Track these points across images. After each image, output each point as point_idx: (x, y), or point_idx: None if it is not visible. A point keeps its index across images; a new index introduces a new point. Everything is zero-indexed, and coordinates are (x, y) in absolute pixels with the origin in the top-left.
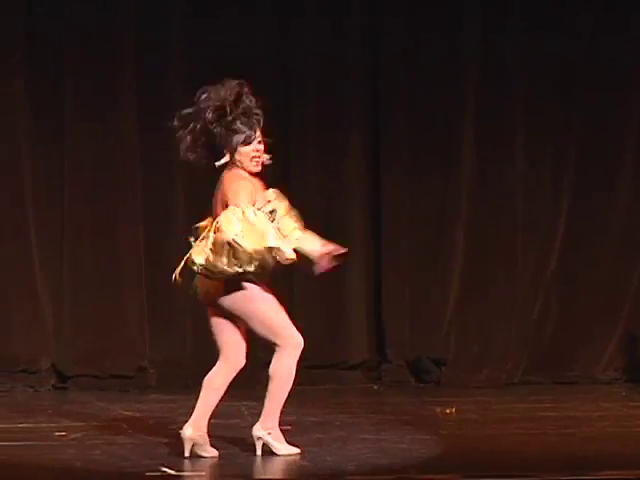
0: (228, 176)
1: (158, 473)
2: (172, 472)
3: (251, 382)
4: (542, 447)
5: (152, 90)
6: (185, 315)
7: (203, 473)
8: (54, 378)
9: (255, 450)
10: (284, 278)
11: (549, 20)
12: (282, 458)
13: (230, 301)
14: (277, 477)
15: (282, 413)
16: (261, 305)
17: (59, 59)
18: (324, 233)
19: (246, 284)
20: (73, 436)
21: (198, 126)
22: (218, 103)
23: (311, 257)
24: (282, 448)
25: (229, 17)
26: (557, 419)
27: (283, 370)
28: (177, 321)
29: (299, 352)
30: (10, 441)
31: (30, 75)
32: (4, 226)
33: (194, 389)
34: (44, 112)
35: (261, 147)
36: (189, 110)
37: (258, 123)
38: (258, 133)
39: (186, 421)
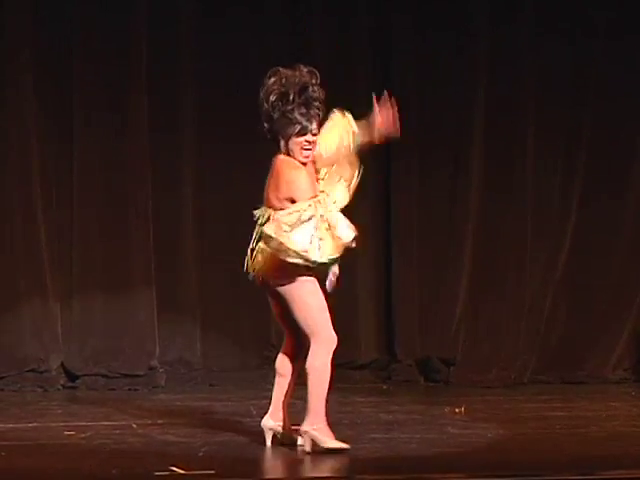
0: (281, 163)
1: (167, 473)
2: (181, 472)
3: (260, 381)
4: (551, 446)
5: (161, 90)
6: (195, 314)
7: (212, 472)
8: (63, 378)
9: (304, 446)
10: None
11: (560, 16)
12: (290, 457)
13: (284, 284)
14: (285, 476)
15: (292, 412)
16: (311, 298)
17: (68, 58)
18: None
19: (304, 272)
20: (82, 435)
21: (264, 106)
22: (283, 89)
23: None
24: (330, 442)
25: (238, 17)
26: (566, 419)
27: (318, 364)
28: (187, 321)
29: (332, 349)
30: (19, 440)
31: (39, 74)
32: (14, 226)
33: (203, 388)
34: (53, 112)
35: (314, 139)
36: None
37: (316, 116)
38: (314, 126)
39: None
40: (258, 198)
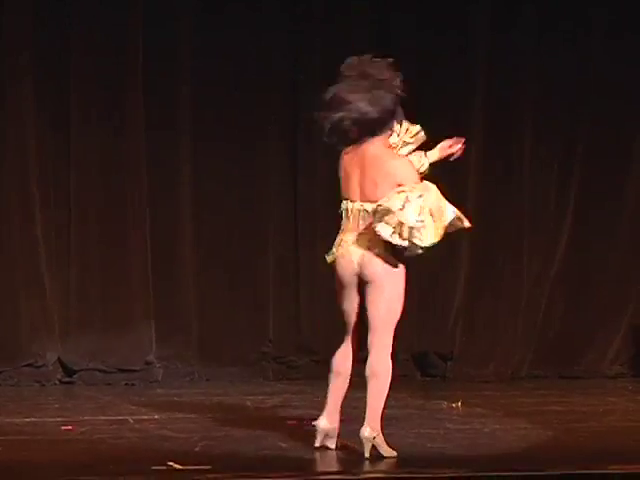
0: (382, 153)
1: (164, 467)
2: (178, 467)
3: (257, 376)
4: (548, 441)
5: (159, 88)
6: (191, 310)
7: (209, 467)
8: (60, 372)
9: (364, 452)
10: (291, 274)
11: (560, 17)
12: (283, 453)
13: (381, 273)
14: (282, 473)
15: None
16: (401, 293)
17: (65, 57)
18: (332, 225)
19: (400, 261)
20: (79, 430)
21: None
22: (399, 76)
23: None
24: (388, 452)
25: (236, 15)
26: (563, 413)
27: (383, 369)
28: (183, 316)
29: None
30: (17, 435)
31: (37, 74)
32: (11, 223)
33: (200, 383)
34: (50, 111)
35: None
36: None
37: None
38: None
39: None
40: (257, 196)
